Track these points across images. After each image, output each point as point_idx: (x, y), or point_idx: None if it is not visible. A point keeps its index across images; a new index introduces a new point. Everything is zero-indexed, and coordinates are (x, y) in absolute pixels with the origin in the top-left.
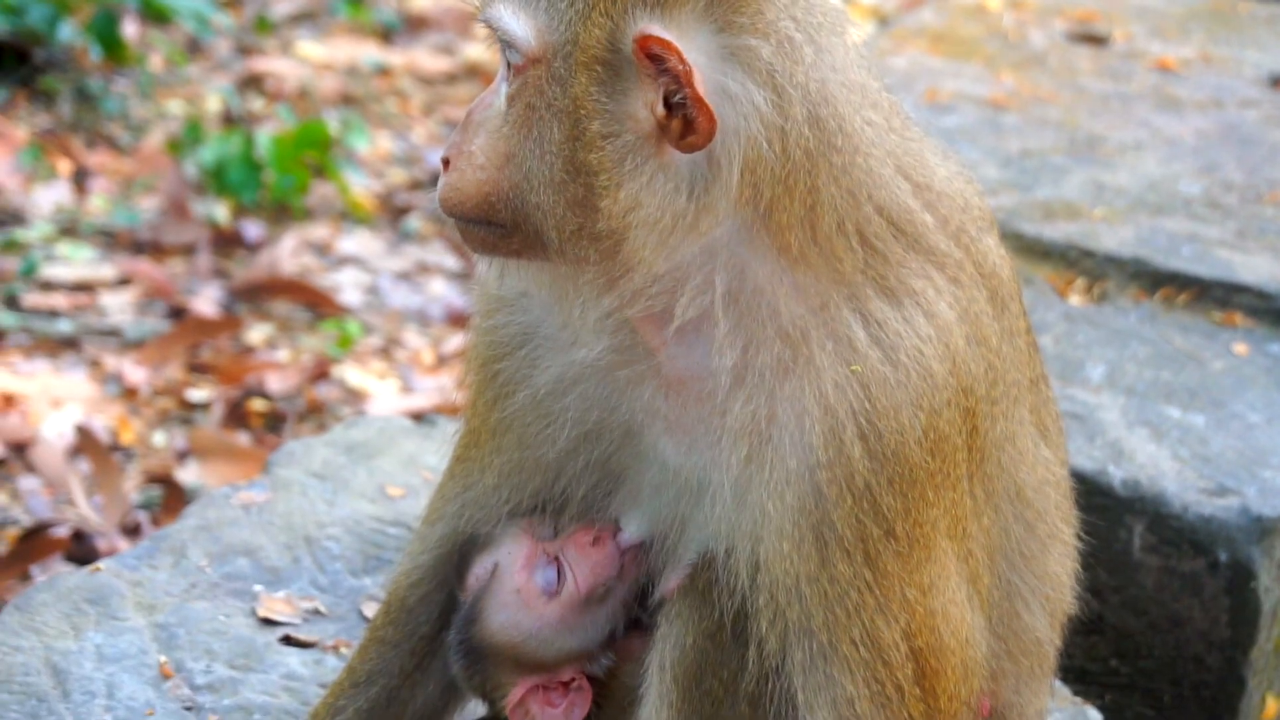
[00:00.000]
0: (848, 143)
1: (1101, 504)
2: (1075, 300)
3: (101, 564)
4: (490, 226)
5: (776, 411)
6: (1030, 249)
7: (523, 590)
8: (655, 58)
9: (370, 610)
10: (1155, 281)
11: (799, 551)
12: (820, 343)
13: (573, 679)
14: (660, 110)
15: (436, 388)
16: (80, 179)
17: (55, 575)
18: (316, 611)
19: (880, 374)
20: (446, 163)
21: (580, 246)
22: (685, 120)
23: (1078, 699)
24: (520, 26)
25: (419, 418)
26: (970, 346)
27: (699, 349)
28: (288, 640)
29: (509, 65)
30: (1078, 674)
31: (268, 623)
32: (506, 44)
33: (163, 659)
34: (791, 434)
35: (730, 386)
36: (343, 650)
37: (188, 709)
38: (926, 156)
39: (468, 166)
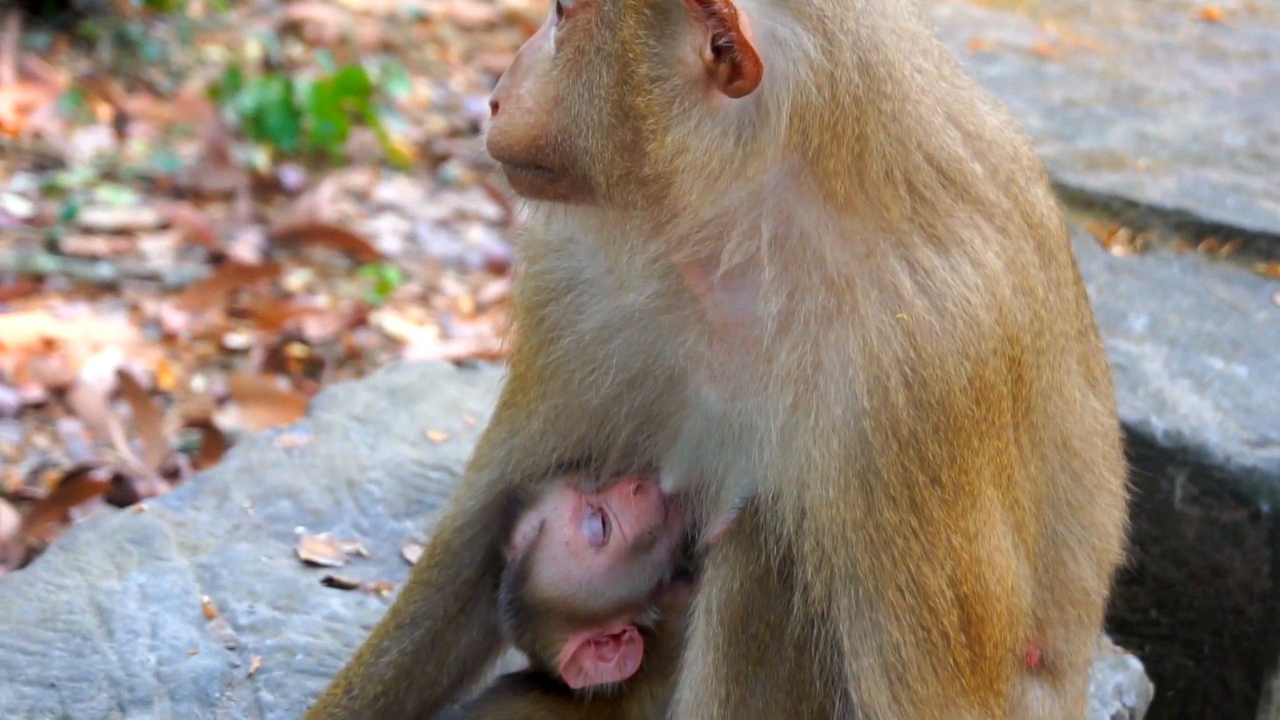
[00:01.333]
0: (897, 90)
1: (1143, 455)
2: (1118, 251)
3: (145, 504)
4: (538, 170)
5: (822, 359)
6: (1073, 199)
7: (571, 542)
8: (703, 1)
9: (412, 554)
10: (1198, 233)
11: (845, 498)
12: (865, 290)
13: (624, 631)
14: (708, 54)
15: (475, 335)
16: (120, 124)
17: (98, 516)
18: (358, 554)
19: (926, 322)
20: (495, 106)
21: (627, 191)
22: (733, 65)
23: (1118, 649)
24: None
25: (459, 363)
26: (1016, 296)
27: (744, 295)
28: (330, 582)
29: (559, 9)
30: (1117, 624)
31: (310, 564)
32: None
33: (206, 599)
34: (837, 382)
35: (776, 333)
36: (384, 593)
37: (231, 649)
38: (976, 105)
39: (516, 110)
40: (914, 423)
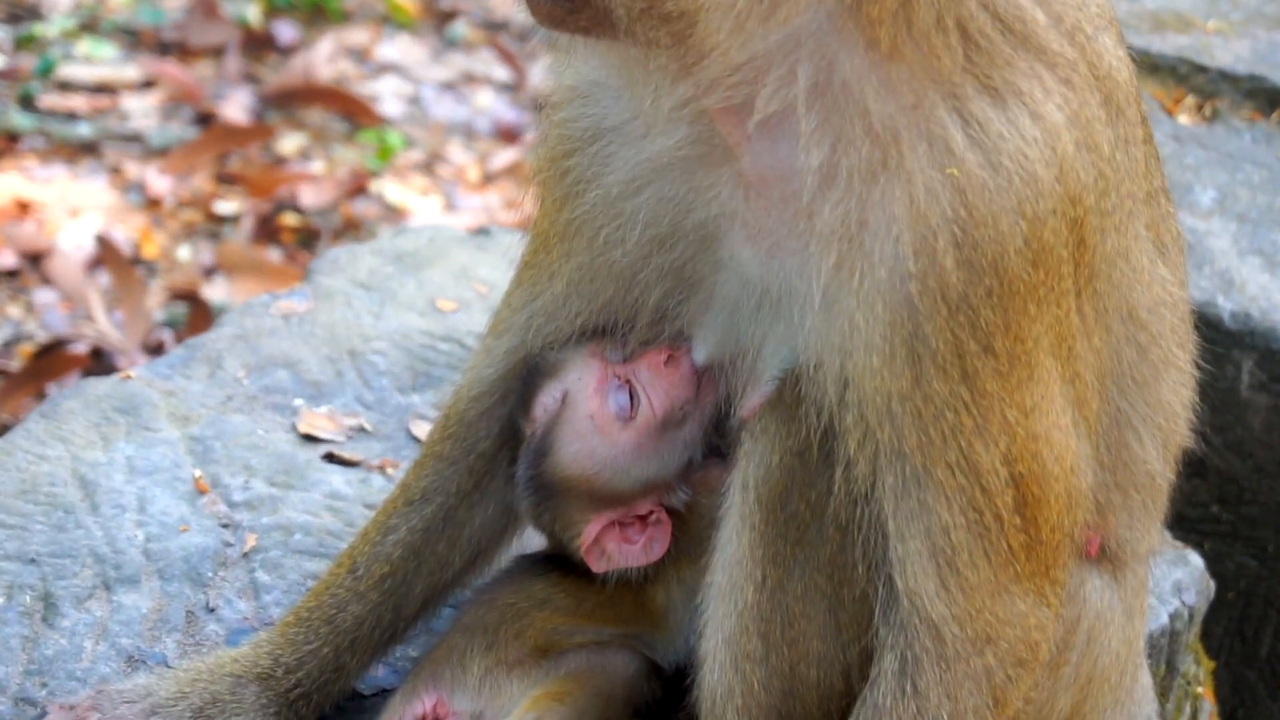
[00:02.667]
0: None
1: (1209, 338)
2: (1184, 119)
3: (132, 372)
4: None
5: (867, 217)
6: (1137, 63)
7: (596, 416)
8: None
9: (419, 429)
10: (1271, 100)
11: (890, 368)
12: (912, 144)
13: (650, 512)
14: None
15: (483, 206)
16: None
17: (82, 383)
18: (361, 429)
19: (979, 178)
20: None
21: (649, 26)
22: None
23: (1178, 544)
24: None
25: (473, 229)
26: (1080, 152)
27: (783, 146)
28: (330, 458)
29: None
30: (1176, 520)
31: (309, 439)
32: None
33: (197, 473)
34: (882, 242)
35: (818, 187)
36: (389, 470)
37: (224, 526)
38: None
39: None
40: (964, 286)
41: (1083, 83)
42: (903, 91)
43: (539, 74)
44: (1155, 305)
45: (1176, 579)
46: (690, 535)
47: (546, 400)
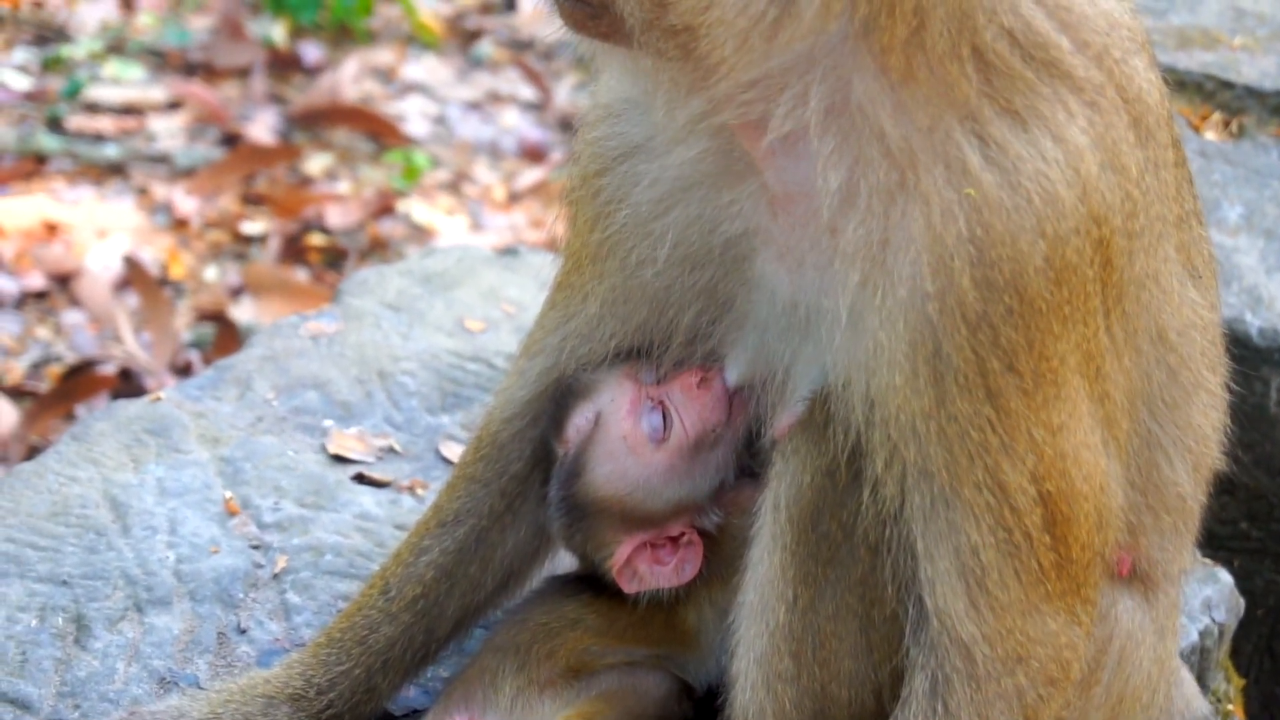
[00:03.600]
0: None
1: (1237, 355)
2: (1211, 135)
3: (162, 393)
4: (581, 2)
5: (889, 237)
6: (1164, 81)
7: (629, 437)
8: None
9: (449, 450)
10: None
11: (912, 386)
12: (928, 166)
13: (682, 534)
14: None
15: (509, 225)
16: None
17: (112, 405)
18: (391, 450)
19: (995, 198)
20: None
21: (656, 39)
22: None
23: (1207, 561)
24: None
25: (500, 249)
26: (1105, 173)
27: (805, 163)
28: (360, 479)
29: None
30: (1205, 537)
31: (339, 460)
32: None
33: (228, 495)
34: (902, 261)
35: (839, 206)
36: (419, 491)
37: (254, 547)
38: None
39: None
40: (982, 305)
41: (1110, 105)
42: (918, 115)
43: (564, 93)
44: (1185, 328)
45: (1206, 596)
46: (722, 556)
47: (579, 421)
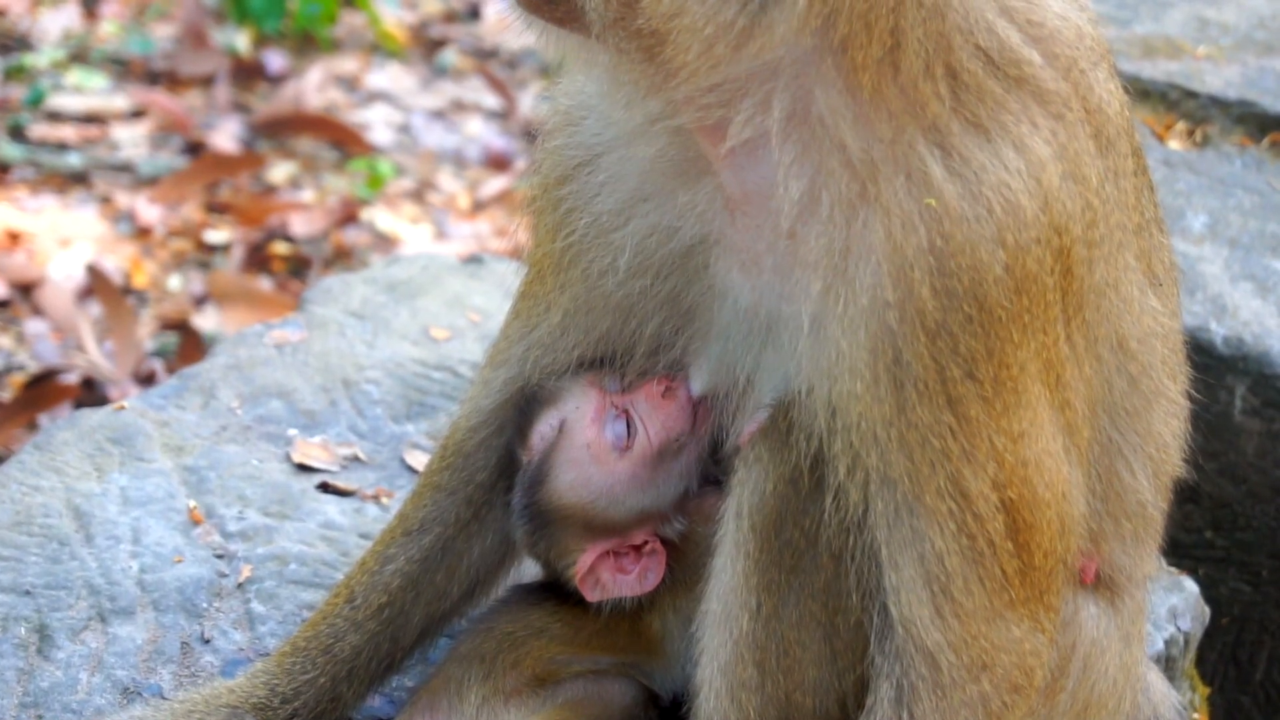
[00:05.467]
0: None
1: (1201, 363)
2: (1175, 144)
3: (126, 402)
4: None
5: (850, 245)
6: (1127, 89)
7: (593, 445)
8: None
9: (414, 459)
10: (1262, 125)
11: (873, 393)
12: (889, 177)
13: (645, 542)
14: None
15: (473, 234)
16: (90, 2)
17: (76, 414)
18: (355, 458)
19: (956, 209)
20: None
21: (620, 38)
22: None
23: (1172, 570)
24: None
25: (464, 258)
26: (1066, 183)
27: (763, 167)
28: (325, 488)
29: None
30: (1170, 545)
31: (303, 469)
32: None
33: (192, 504)
34: (862, 271)
35: (798, 216)
36: (384, 500)
37: (219, 556)
38: None
39: None
40: (941, 314)
41: (1075, 117)
42: (881, 127)
43: (529, 102)
44: (1146, 336)
45: (1171, 605)
46: (686, 563)
47: (544, 429)
